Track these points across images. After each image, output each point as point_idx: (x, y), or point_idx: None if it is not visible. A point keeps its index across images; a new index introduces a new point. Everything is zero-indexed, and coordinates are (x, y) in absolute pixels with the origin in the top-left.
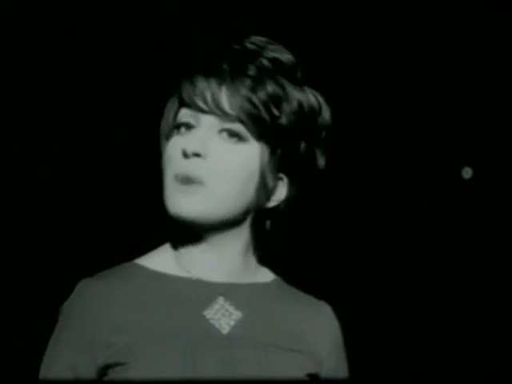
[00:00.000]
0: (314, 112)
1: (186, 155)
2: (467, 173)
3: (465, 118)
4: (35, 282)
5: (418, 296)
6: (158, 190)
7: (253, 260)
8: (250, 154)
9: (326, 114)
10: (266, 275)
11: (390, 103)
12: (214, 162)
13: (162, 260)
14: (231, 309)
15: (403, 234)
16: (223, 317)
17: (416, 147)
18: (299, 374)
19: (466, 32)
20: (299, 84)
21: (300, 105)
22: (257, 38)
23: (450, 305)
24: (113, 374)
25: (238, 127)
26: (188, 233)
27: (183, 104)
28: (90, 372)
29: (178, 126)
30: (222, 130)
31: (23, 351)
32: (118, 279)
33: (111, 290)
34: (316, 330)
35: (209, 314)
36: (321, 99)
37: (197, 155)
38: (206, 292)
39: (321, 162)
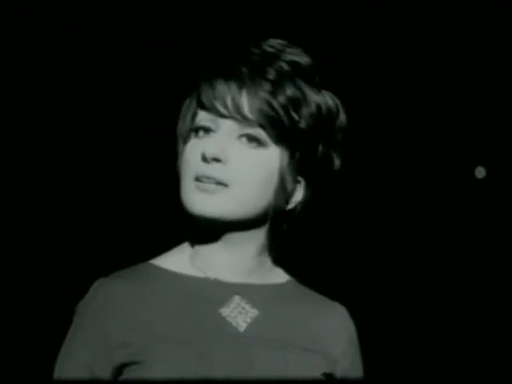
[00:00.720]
0: (332, 115)
1: (205, 159)
2: (480, 172)
3: (478, 117)
4: (50, 281)
5: (434, 296)
6: (174, 190)
7: (268, 261)
8: (270, 159)
9: (343, 116)
10: (280, 276)
11: (404, 104)
12: (234, 167)
13: (177, 260)
14: (247, 307)
15: (417, 234)
16: (240, 314)
17: (430, 147)
18: (315, 373)
19: (479, 32)
20: (317, 87)
21: (319, 108)
22: (275, 41)
23: (464, 303)
24: (128, 373)
25: (257, 132)
26: (205, 233)
27: (202, 107)
28: (105, 371)
29: (196, 129)
30: (241, 135)
31: (38, 350)
32: (134, 279)
33: (127, 290)
34: (331, 330)
35: (225, 311)
36: (338, 102)
37: (216, 160)
38: (222, 291)
39: (337, 163)
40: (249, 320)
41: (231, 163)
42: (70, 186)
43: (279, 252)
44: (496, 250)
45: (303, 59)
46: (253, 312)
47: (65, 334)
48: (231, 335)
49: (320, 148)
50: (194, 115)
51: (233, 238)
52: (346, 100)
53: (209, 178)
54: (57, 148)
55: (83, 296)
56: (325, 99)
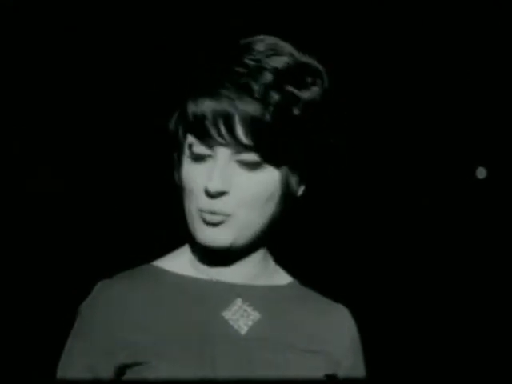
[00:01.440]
0: (325, 104)
1: (209, 194)
2: (481, 173)
3: (479, 118)
4: (54, 283)
5: (435, 297)
6: (177, 192)
7: (271, 262)
8: (271, 178)
9: (334, 100)
10: (282, 278)
11: (405, 104)
12: (237, 195)
13: (180, 262)
14: (249, 309)
15: (418, 234)
16: (241, 317)
17: (431, 148)
18: (317, 374)
19: (479, 32)
20: (305, 84)
21: (311, 105)
22: (257, 47)
23: (465, 303)
24: (131, 374)
25: (255, 156)
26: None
27: (192, 129)
28: (108, 372)
29: (192, 153)
30: (240, 160)
31: (42, 350)
32: (137, 280)
33: (129, 291)
34: (333, 332)
35: (227, 314)
36: (326, 84)
37: (221, 193)
38: (225, 293)
39: (341, 150)
40: (250, 323)
41: (234, 190)
42: (72, 187)
43: (281, 251)
44: (497, 250)
45: (285, 61)
46: (254, 315)
47: (68, 335)
48: (233, 338)
49: (319, 142)
50: (185, 136)
51: (237, 250)
52: (346, 100)
53: (213, 211)
54: (59, 149)
55: (86, 297)
56: (313, 93)
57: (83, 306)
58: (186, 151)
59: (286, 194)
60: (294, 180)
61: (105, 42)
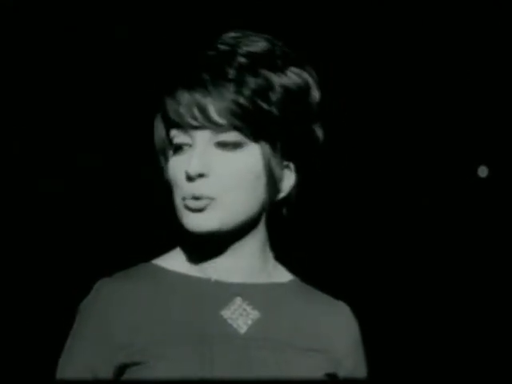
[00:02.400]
0: (302, 92)
1: (190, 178)
2: (483, 171)
3: (480, 116)
4: (53, 281)
5: (437, 296)
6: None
7: (270, 259)
8: (252, 158)
9: (315, 89)
10: (283, 275)
11: (406, 103)
12: (218, 177)
13: (179, 261)
14: (249, 308)
15: (420, 233)
16: (241, 316)
17: (432, 146)
18: (317, 373)
19: (480, 31)
20: (280, 68)
21: (286, 90)
22: (227, 36)
23: (467, 302)
24: (130, 374)
25: (233, 136)
26: (203, 239)
27: (172, 122)
28: (107, 371)
29: (173, 147)
30: (218, 143)
31: (41, 349)
32: (136, 279)
33: (129, 290)
34: (334, 330)
35: (226, 313)
36: (306, 75)
37: (201, 175)
38: (224, 292)
39: (320, 136)
40: (250, 322)
41: (215, 174)
42: (71, 186)
43: (281, 249)
44: (498, 249)
45: (259, 46)
46: (254, 314)
47: (67, 334)
48: (232, 337)
49: (299, 127)
50: (168, 131)
51: (232, 241)
52: (347, 98)
53: (195, 197)
54: (58, 147)
55: (85, 296)
56: (291, 79)
57: (82, 305)
58: (170, 147)
59: (271, 178)
60: (275, 162)
61: (99, 41)
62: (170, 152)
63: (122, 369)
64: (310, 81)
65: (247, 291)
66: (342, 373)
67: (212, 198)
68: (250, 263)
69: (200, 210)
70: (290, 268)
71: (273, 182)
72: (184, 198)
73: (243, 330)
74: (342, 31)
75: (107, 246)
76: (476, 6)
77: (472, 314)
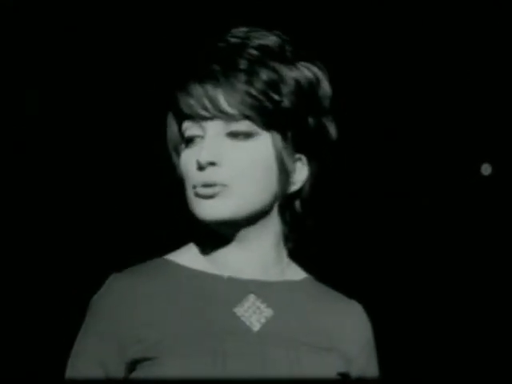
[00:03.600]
0: (313, 85)
1: (201, 167)
2: (486, 169)
3: (484, 114)
4: (65, 276)
5: (442, 294)
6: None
7: (284, 256)
8: (263, 147)
9: (325, 83)
10: (297, 273)
11: (410, 101)
12: (229, 166)
13: (193, 256)
14: (262, 306)
15: (423, 231)
16: (254, 314)
17: (436, 144)
18: (330, 372)
19: (483, 28)
20: (291, 62)
21: (297, 83)
22: (237, 30)
23: (471, 301)
24: (141, 370)
25: (244, 125)
26: (219, 231)
27: (184, 115)
28: (118, 366)
29: (185, 140)
30: (229, 133)
31: (52, 344)
32: (148, 274)
33: (141, 285)
34: (347, 329)
35: (239, 311)
36: (316, 70)
37: (211, 164)
38: (237, 289)
39: (332, 130)
40: (263, 320)
41: (226, 163)
42: (84, 183)
43: (296, 245)
44: (502, 248)
45: (270, 39)
46: (268, 311)
47: (78, 329)
48: (245, 334)
49: (310, 120)
50: (180, 125)
51: (245, 234)
52: (350, 97)
53: (206, 184)
54: (66, 146)
55: (97, 291)
56: (302, 72)
57: (94, 300)
58: (182, 142)
59: (283, 169)
60: (286, 153)
61: (105, 41)
62: (183, 146)
63: (134, 364)
64: (320, 75)
65: (261, 288)
66: (354, 372)
67: (224, 185)
68: (262, 259)
69: (211, 197)
70: (304, 266)
71: (285, 174)
72: (195, 186)
73: (256, 327)
74: (346, 31)
75: (120, 241)
76: (474, 4)
77: (478, 312)
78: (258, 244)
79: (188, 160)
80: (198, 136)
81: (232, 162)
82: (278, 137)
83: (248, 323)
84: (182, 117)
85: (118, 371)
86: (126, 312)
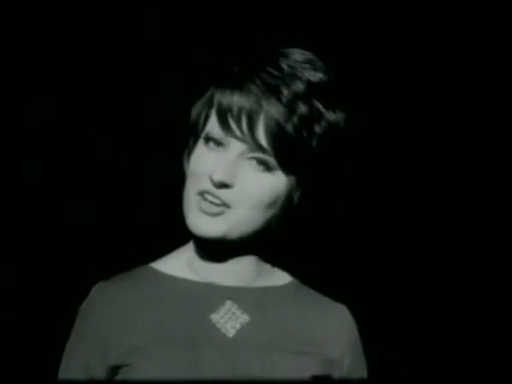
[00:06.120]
0: (339, 131)
1: (213, 183)
2: None
3: (485, 114)
4: (55, 285)
5: (439, 296)
6: (175, 194)
7: (267, 261)
8: (278, 183)
9: (345, 124)
10: (280, 278)
11: (414, 99)
12: (240, 189)
13: (175, 263)
14: (238, 312)
15: (421, 232)
16: (230, 320)
17: (440, 143)
18: (304, 376)
19: (485, 28)
20: (331, 104)
21: (330, 126)
22: (294, 56)
23: (471, 303)
24: (121, 375)
25: (267, 157)
26: (204, 240)
27: (218, 120)
28: (101, 372)
29: (206, 134)
30: (251, 158)
31: (46, 351)
32: (132, 282)
33: (124, 293)
34: (329, 331)
35: (215, 317)
36: (344, 116)
37: (224, 185)
38: (215, 296)
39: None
40: (238, 326)
41: (238, 185)
42: (69, 187)
43: (280, 252)
44: (506, 247)
45: (320, 77)
46: (243, 318)
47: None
48: (219, 340)
49: (326, 164)
50: (207, 118)
51: (233, 248)
52: (354, 97)
53: (214, 196)
54: (58, 149)
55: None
56: (336, 117)
57: (81, 308)
58: (203, 136)
59: (289, 202)
60: (297, 191)
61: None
62: (201, 141)
63: (115, 370)
64: (344, 115)
65: (239, 295)
66: (337, 374)
67: (228, 206)
68: (246, 267)
69: (211, 215)
70: (293, 270)
71: (289, 205)
72: (200, 193)
73: (231, 333)
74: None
75: (109, 249)
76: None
77: (474, 314)
78: (240, 258)
79: (202, 160)
80: (221, 143)
81: (244, 187)
82: (293, 178)
83: (223, 330)
84: (213, 114)
85: (101, 377)
86: (108, 319)
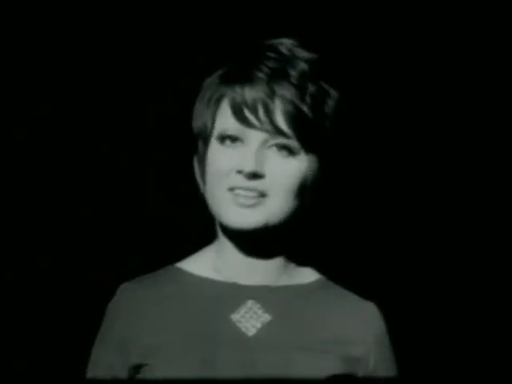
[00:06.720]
0: (342, 103)
1: (243, 174)
2: None
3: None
4: (84, 286)
5: (476, 294)
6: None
7: (292, 258)
8: (302, 168)
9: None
10: (307, 276)
11: (418, 98)
12: (271, 177)
13: (201, 263)
14: (260, 312)
15: (452, 230)
16: (251, 319)
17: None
18: (323, 374)
19: (487, 28)
20: (332, 83)
21: (337, 102)
22: (284, 41)
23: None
24: (141, 374)
25: (289, 141)
26: (234, 237)
27: (230, 115)
28: (124, 372)
29: (220, 136)
30: (272, 145)
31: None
32: (156, 282)
33: (147, 293)
34: (355, 330)
35: (235, 317)
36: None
37: (255, 175)
38: (237, 295)
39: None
40: (259, 325)
41: (268, 174)
42: (69, 188)
43: (309, 249)
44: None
45: (316, 57)
46: (265, 317)
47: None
48: (238, 340)
49: (340, 140)
50: (215, 118)
51: (264, 242)
52: (358, 97)
53: (247, 189)
54: (58, 149)
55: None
56: (337, 93)
57: (108, 308)
58: (216, 136)
59: (313, 186)
60: (319, 175)
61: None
62: (214, 141)
63: (136, 369)
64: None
65: (262, 294)
66: (362, 372)
67: (264, 195)
68: (271, 266)
69: (249, 207)
70: (323, 267)
71: (314, 190)
72: (233, 189)
73: (251, 332)
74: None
75: (109, 249)
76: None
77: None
78: (267, 251)
79: (224, 160)
80: (239, 139)
81: (274, 174)
82: (315, 158)
83: (244, 329)
84: (220, 110)
85: (124, 376)
86: (131, 318)
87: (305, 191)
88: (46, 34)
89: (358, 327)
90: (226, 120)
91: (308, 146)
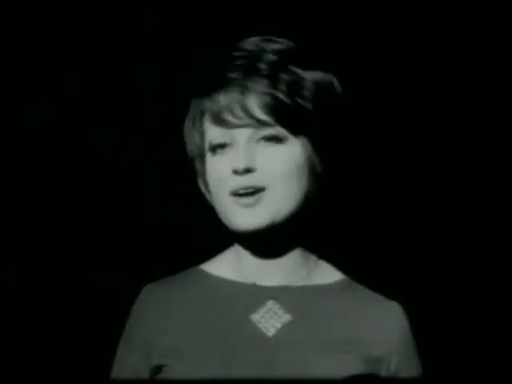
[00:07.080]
0: (329, 85)
1: (238, 173)
2: None
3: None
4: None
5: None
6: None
7: (312, 258)
8: (294, 151)
9: (336, 83)
10: (329, 276)
11: (422, 97)
12: (265, 170)
13: (222, 264)
14: (280, 312)
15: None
16: (270, 319)
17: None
18: (342, 374)
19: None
20: (306, 64)
21: (317, 85)
22: (250, 39)
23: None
24: (162, 375)
25: (273, 130)
26: (245, 240)
27: (209, 124)
28: (146, 373)
29: (211, 148)
30: (259, 139)
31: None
32: (178, 284)
33: (169, 295)
34: (378, 330)
35: (255, 317)
36: (328, 74)
37: (248, 170)
38: (258, 296)
39: (345, 123)
40: (279, 325)
41: (261, 168)
42: (69, 187)
43: (333, 248)
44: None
45: (283, 45)
46: (285, 317)
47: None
48: (258, 340)
49: (331, 121)
50: (203, 134)
51: (278, 241)
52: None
53: (246, 187)
54: (58, 149)
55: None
56: (317, 74)
57: (132, 309)
58: (208, 149)
59: (313, 171)
60: (315, 156)
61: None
62: (208, 154)
63: (157, 369)
64: (331, 76)
65: (282, 294)
66: (384, 373)
67: (263, 189)
68: (291, 265)
69: (251, 206)
70: (348, 267)
71: (315, 176)
72: (233, 193)
73: (271, 332)
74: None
75: (109, 249)
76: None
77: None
78: (284, 250)
79: (219, 168)
80: (227, 144)
81: (267, 166)
82: (306, 141)
83: (263, 329)
84: (204, 126)
85: (146, 376)
86: (153, 320)
87: (304, 176)
88: (46, 33)
89: (382, 328)
90: (211, 131)
91: (294, 129)
